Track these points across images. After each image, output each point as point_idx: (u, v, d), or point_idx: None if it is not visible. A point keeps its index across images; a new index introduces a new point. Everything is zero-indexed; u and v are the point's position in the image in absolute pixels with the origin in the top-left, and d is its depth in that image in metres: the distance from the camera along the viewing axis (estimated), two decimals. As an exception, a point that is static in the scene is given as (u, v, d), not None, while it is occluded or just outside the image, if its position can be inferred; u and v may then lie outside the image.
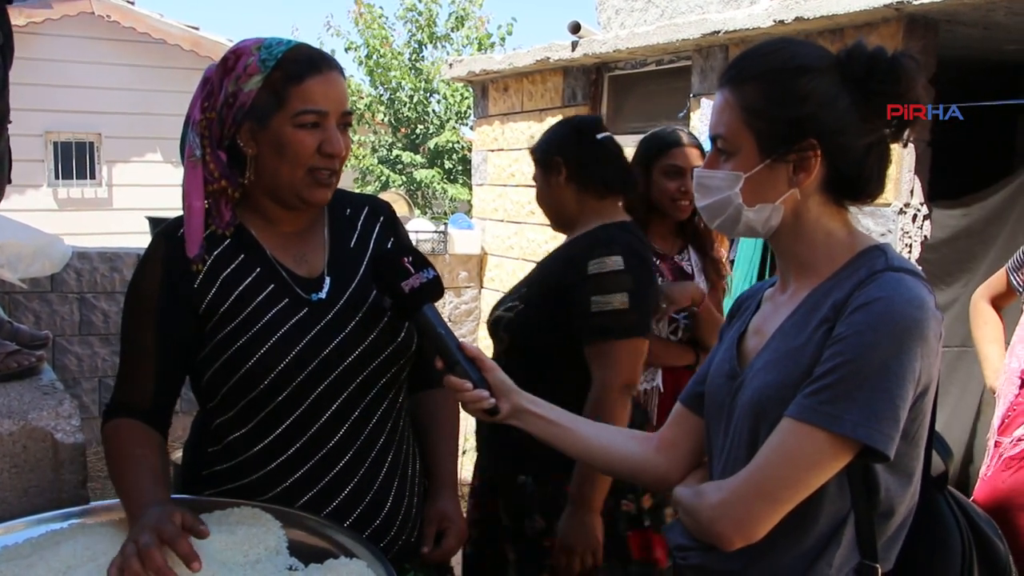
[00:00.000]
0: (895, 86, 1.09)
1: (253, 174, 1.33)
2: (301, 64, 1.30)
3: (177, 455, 2.96)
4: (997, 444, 2.39)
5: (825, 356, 1.05)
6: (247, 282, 1.34)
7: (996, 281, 2.68)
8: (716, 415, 1.23)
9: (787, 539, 1.10)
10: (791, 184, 1.13)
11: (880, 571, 1.10)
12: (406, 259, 1.31)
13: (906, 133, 1.14)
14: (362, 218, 1.48)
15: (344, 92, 1.34)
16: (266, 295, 1.33)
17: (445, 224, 6.16)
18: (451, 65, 6.13)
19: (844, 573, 1.10)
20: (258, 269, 1.35)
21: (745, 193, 1.14)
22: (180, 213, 1.35)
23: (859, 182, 1.14)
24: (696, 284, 2.33)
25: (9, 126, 2.35)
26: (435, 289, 1.31)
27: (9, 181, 2.40)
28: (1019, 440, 2.30)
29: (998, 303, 2.71)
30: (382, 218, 1.50)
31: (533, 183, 2.24)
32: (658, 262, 2.30)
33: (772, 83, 1.12)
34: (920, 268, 1.16)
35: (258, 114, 1.29)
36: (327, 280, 1.38)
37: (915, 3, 3.09)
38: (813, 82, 1.11)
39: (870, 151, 1.13)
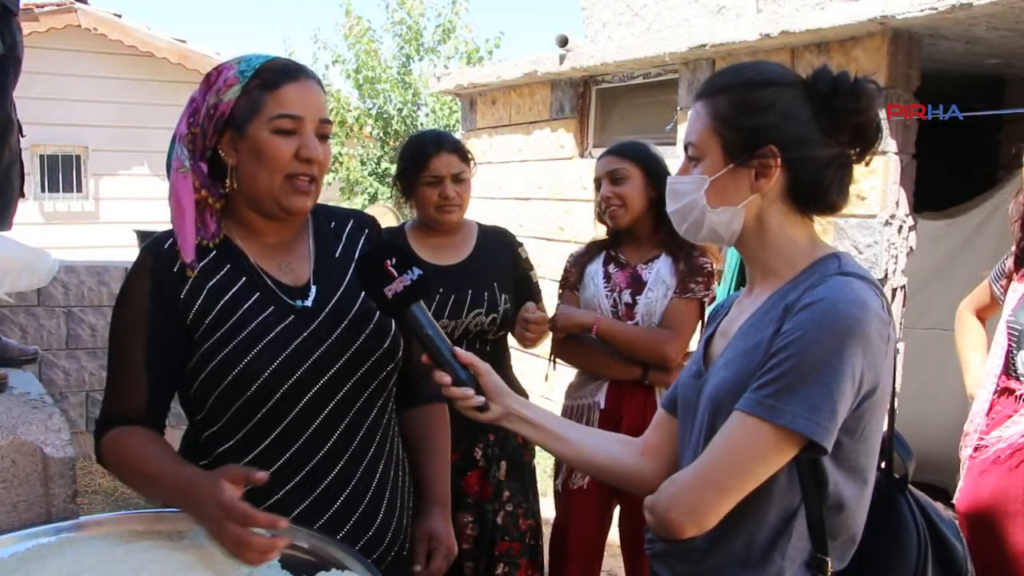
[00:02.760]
0: (856, 103, 1.16)
1: (235, 183, 1.34)
2: (277, 72, 1.32)
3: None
4: (976, 449, 2.42)
5: (771, 352, 1.11)
6: (233, 291, 1.34)
7: (980, 292, 2.72)
8: (685, 414, 1.28)
9: (740, 528, 1.15)
10: (753, 189, 1.19)
11: (830, 564, 1.14)
12: (389, 262, 1.31)
13: (867, 149, 1.20)
14: (347, 230, 1.50)
15: (321, 101, 1.36)
16: (252, 303, 1.34)
17: (434, 236, 6.15)
18: (439, 78, 6.16)
19: (797, 564, 1.14)
20: (243, 278, 1.36)
21: (709, 196, 1.21)
22: (168, 226, 1.36)
23: (818, 192, 1.20)
24: (586, 313, 2.42)
25: (22, 139, 2.34)
26: (421, 289, 1.31)
27: (23, 194, 2.39)
28: (1000, 442, 2.33)
29: (983, 314, 2.74)
30: (367, 231, 1.52)
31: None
32: (618, 271, 2.45)
33: (739, 93, 1.19)
34: (879, 282, 1.20)
35: (237, 122, 1.31)
36: (312, 288, 1.39)
37: (899, 17, 3.13)
38: (776, 94, 1.18)
39: (830, 164, 1.19)
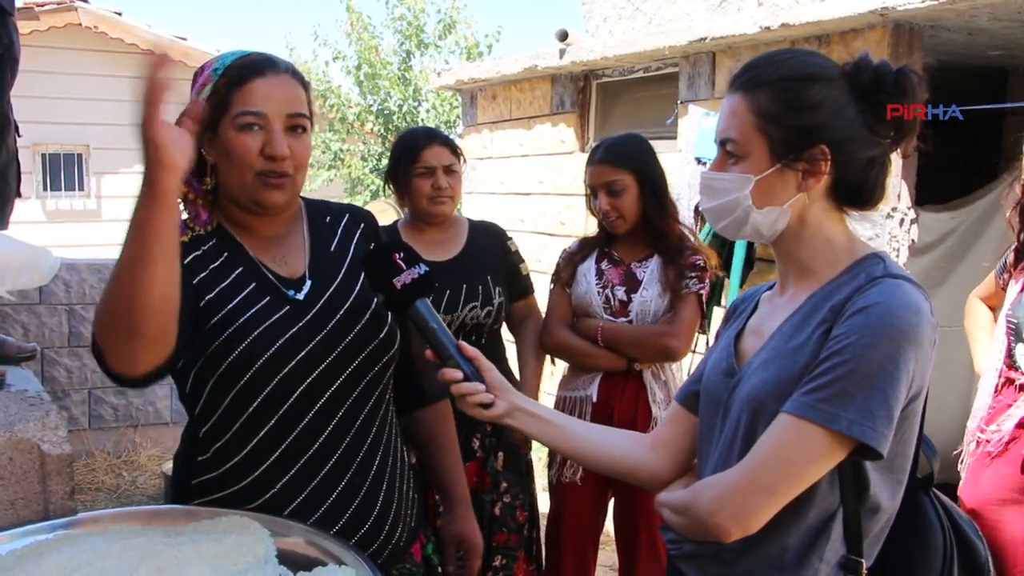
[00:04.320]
0: (901, 97, 1.14)
1: (215, 181, 1.35)
2: (244, 68, 1.32)
3: (168, 466, 2.94)
4: (978, 443, 2.44)
5: (823, 356, 1.09)
6: (229, 279, 1.35)
7: (988, 283, 2.77)
8: (712, 411, 1.26)
9: (778, 531, 1.13)
10: (800, 189, 1.17)
11: (865, 566, 1.13)
12: (397, 255, 1.32)
13: (905, 142, 1.18)
14: (342, 224, 1.51)
15: (292, 94, 1.34)
16: (248, 292, 1.35)
17: (435, 232, 6.16)
18: (439, 74, 6.15)
19: (832, 566, 1.13)
20: (240, 268, 1.37)
21: (755, 196, 1.17)
22: None
23: (863, 189, 1.18)
24: (590, 324, 2.45)
25: (19, 139, 2.34)
26: (427, 284, 1.32)
27: (19, 194, 2.39)
28: (996, 434, 2.35)
29: (990, 303, 2.78)
30: (362, 225, 1.53)
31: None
32: (611, 267, 2.48)
33: (785, 90, 1.15)
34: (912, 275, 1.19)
35: (211, 121, 1.31)
36: (308, 281, 1.40)
37: (900, 9, 3.11)
38: (824, 91, 1.14)
39: (875, 159, 1.17)
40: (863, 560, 1.13)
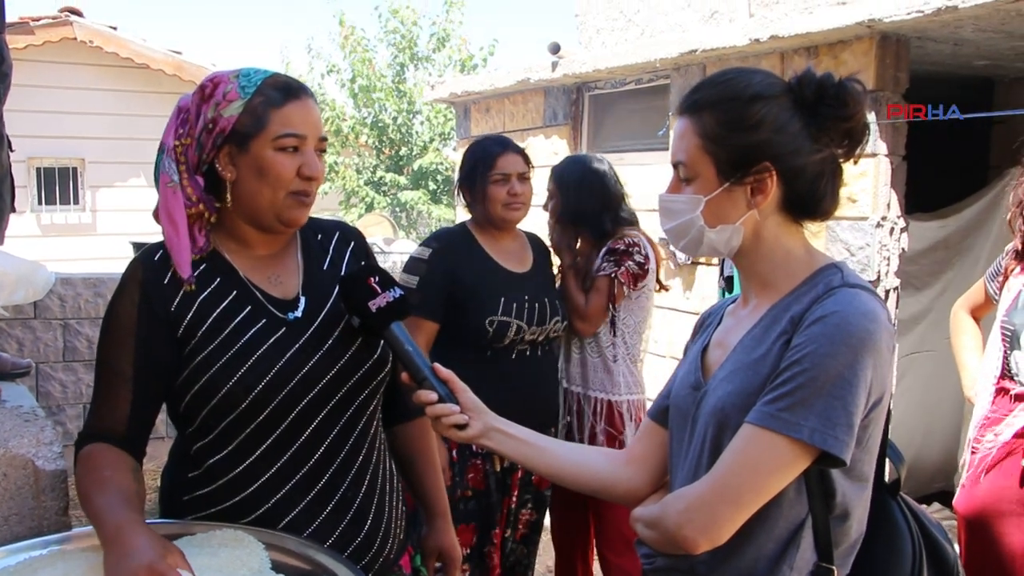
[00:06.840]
0: (844, 109, 1.15)
1: (232, 198, 1.35)
2: (280, 90, 1.34)
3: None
4: (974, 451, 2.42)
5: (783, 366, 1.10)
6: (224, 304, 1.35)
7: (975, 292, 2.72)
8: (680, 424, 1.27)
9: (749, 542, 1.14)
10: (749, 206, 1.18)
11: (836, 573, 1.14)
12: (372, 279, 1.34)
13: (857, 151, 1.20)
14: (333, 243, 1.52)
15: (319, 119, 1.38)
16: (243, 316, 1.35)
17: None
18: (433, 87, 6.17)
19: (804, 575, 1.14)
20: (234, 292, 1.37)
21: (706, 215, 1.20)
22: (161, 238, 1.37)
23: (813, 201, 1.20)
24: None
25: (11, 154, 2.35)
26: (402, 308, 1.34)
27: (13, 209, 2.40)
28: (993, 446, 2.34)
29: (977, 313, 2.74)
30: (353, 243, 1.54)
31: None
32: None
33: (727, 111, 1.17)
34: (871, 284, 1.20)
35: (238, 138, 1.32)
36: (302, 300, 1.41)
37: (887, 20, 3.15)
38: (765, 108, 1.16)
39: (823, 171, 1.18)
40: (834, 567, 1.14)
